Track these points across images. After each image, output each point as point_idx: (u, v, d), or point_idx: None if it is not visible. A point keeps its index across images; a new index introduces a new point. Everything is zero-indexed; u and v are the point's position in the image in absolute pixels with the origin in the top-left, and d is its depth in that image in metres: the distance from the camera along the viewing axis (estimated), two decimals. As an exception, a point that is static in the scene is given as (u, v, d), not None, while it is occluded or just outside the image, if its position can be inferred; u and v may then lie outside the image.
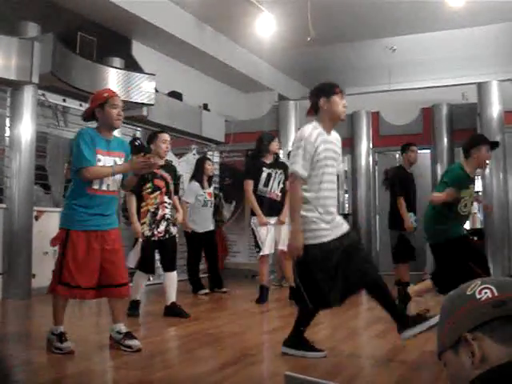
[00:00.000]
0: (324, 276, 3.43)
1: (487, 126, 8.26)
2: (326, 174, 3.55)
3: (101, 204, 3.69)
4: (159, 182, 5.11)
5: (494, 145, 4.88)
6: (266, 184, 6.13)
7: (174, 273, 5.19)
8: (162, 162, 5.20)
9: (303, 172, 3.46)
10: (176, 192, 5.50)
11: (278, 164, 6.26)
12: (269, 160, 6.21)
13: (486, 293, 1.11)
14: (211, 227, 7.09)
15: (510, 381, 1.00)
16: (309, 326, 3.62)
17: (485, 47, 9.92)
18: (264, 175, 6.12)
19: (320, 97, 3.59)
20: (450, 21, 8.99)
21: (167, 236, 5.15)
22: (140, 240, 5.10)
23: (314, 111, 3.66)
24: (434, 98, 9.24)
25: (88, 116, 3.87)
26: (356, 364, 3.44)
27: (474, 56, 10.21)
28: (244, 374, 3.16)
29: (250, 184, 6.09)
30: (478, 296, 1.11)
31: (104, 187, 3.69)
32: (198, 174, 6.99)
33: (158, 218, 5.07)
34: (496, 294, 1.10)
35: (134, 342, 3.71)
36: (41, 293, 6.13)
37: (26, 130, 6.29)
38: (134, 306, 5.20)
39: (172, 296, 5.14)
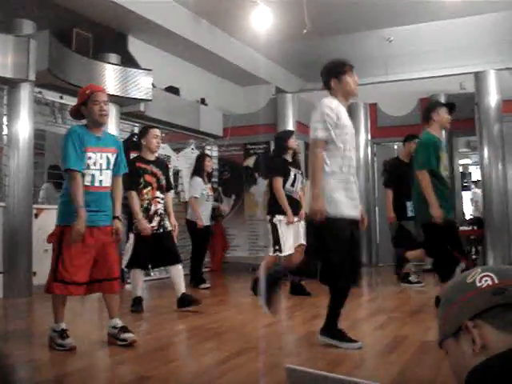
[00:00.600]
0: (346, 249, 3.53)
1: (485, 115, 8.26)
2: (347, 143, 3.60)
3: (95, 200, 3.69)
4: (150, 178, 5.13)
5: (451, 106, 4.97)
6: (293, 184, 6.05)
7: (179, 265, 5.16)
8: (153, 158, 5.24)
9: (322, 136, 3.50)
10: (173, 187, 5.51)
11: (297, 164, 6.23)
12: (290, 159, 6.13)
13: (486, 280, 1.11)
14: (209, 222, 7.12)
15: (509, 369, 1.00)
16: (342, 308, 3.62)
17: (482, 36, 9.89)
18: (292, 175, 6.03)
19: (330, 77, 3.64)
20: (446, 11, 8.95)
21: (161, 230, 5.15)
22: (131, 236, 5.14)
23: (326, 88, 3.70)
24: (431, 88, 9.24)
25: (75, 114, 3.87)
26: (357, 355, 3.45)
27: (471, 45, 10.18)
28: (245, 368, 3.17)
29: (280, 181, 5.94)
30: (479, 284, 1.11)
31: (96, 183, 3.70)
32: (199, 170, 7.01)
33: (151, 213, 5.08)
34: (496, 281, 1.10)
35: (129, 335, 3.73)
36: (41, 290, 6.11)
37: (23, 127, 6.29)
38: (137, 302, 5.22)
39: (181, 287, 5.11)
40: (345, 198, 3.57)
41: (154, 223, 5.09)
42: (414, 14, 9.27)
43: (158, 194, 5.17)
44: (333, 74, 3.64)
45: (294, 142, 6.17)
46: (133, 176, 4.96)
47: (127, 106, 7.71)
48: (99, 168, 3.71)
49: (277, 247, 6.02)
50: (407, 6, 8.91)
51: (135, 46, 8.66)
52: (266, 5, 8.34)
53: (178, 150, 9.16)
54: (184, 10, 8.79)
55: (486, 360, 1.04)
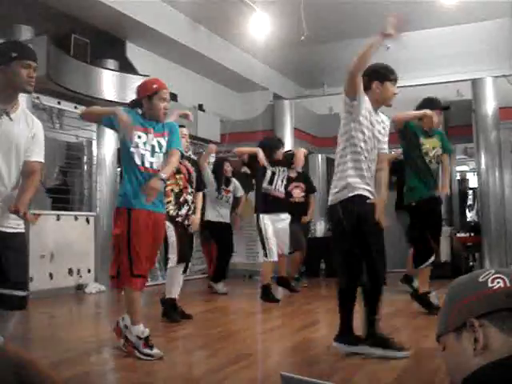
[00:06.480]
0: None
1: (482, 122, 8.27)
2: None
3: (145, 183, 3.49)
4: (181, 167, 4.98)
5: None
6: (270, 182, 6.21)
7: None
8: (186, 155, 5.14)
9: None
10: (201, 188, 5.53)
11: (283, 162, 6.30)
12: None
13: (498, 282, 1.11)
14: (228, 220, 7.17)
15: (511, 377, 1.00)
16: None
17: (479, 44, 9.92)
18: (269, 173, 6.20)
19: (373, 80, 3.62)
20: (443, 18, 9.00)
21: (186, 222, 5.00)
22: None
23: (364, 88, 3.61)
24: (428, 95, 9.22)
25: (133, 105, 3.73)
26: (353, 363, 3.43)
27: (469, 52, 10.22)
28: (241, 375, 3.15)
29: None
30: (491, 284, 1.11)
31: (147, 164, 3.55)
32: (220, 174, 7.08)
33: (181, 200, 4.94)
34: (508, 284, 1.10)
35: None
36: (38, 296, 6.12)
37: (20, 133, 6.27)
38: (173, 307, 4.94)
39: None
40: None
41: (183, 211, 4.96)
42: (411, 22, 9.30)
43: (188, 186, 5.06)
44: (376, 77, 3.65)
45: (280, 154, 6.28)
46: None
47: (125, 112, 7.71)
48: (150, 150, 3.57)
49: (264, 252, 6.05)
50: (404, 13, 8.93)
51: (133, 51, 8.67)
52: (263, 11, 8.37)
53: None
54: (182, 17, 8.82)
55: (488, 365, 1.04)
